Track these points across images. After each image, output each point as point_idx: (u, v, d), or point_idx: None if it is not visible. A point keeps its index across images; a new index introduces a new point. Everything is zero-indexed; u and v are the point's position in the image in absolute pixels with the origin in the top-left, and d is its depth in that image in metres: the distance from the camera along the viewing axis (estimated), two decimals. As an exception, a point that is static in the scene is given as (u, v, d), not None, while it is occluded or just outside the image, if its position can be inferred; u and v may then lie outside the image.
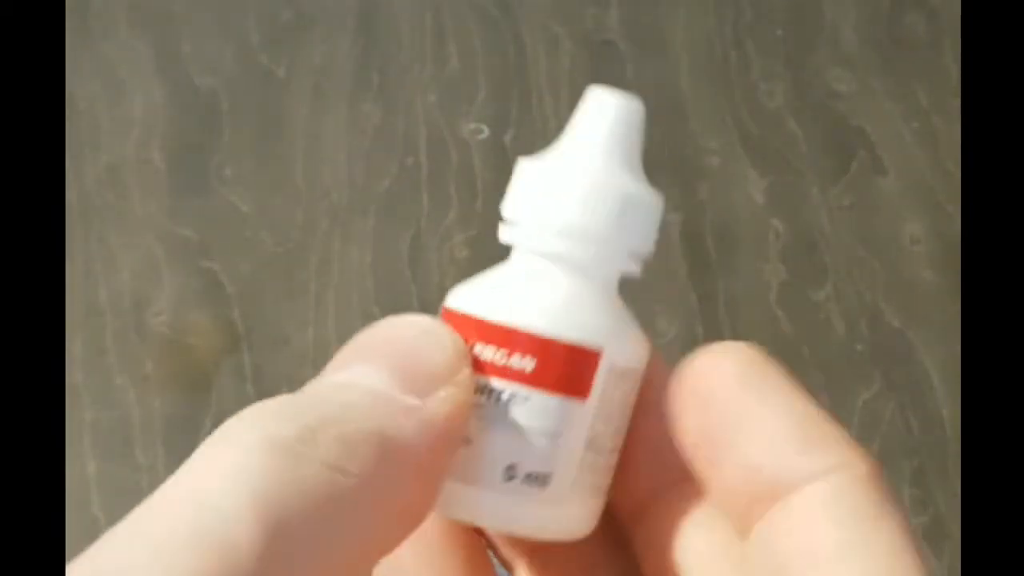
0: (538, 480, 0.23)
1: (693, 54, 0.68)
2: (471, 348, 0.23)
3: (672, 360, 0.23)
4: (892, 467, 0.60)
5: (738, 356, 0.22)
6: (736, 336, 0.61)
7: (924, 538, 0.59)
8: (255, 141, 0.66)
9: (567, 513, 0.23)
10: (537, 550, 0.25)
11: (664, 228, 0.64)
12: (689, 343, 0.59)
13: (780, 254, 0.64)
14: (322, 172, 0.64)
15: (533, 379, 0.22)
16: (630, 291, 0.24)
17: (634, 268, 0.23)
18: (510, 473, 0.22)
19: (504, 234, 0.24)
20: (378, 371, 0.22)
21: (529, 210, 0.23)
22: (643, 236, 0.23)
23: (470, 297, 0.23)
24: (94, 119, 0.66)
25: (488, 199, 0.65)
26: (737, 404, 0.21)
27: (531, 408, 0.22)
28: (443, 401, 0.22)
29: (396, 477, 0.21)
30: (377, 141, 0.67)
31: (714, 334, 0.64)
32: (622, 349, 0.23)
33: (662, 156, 0.66)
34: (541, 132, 0.67)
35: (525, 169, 0.24)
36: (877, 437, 0.60)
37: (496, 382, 0.22)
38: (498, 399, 0.22)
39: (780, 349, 0.61)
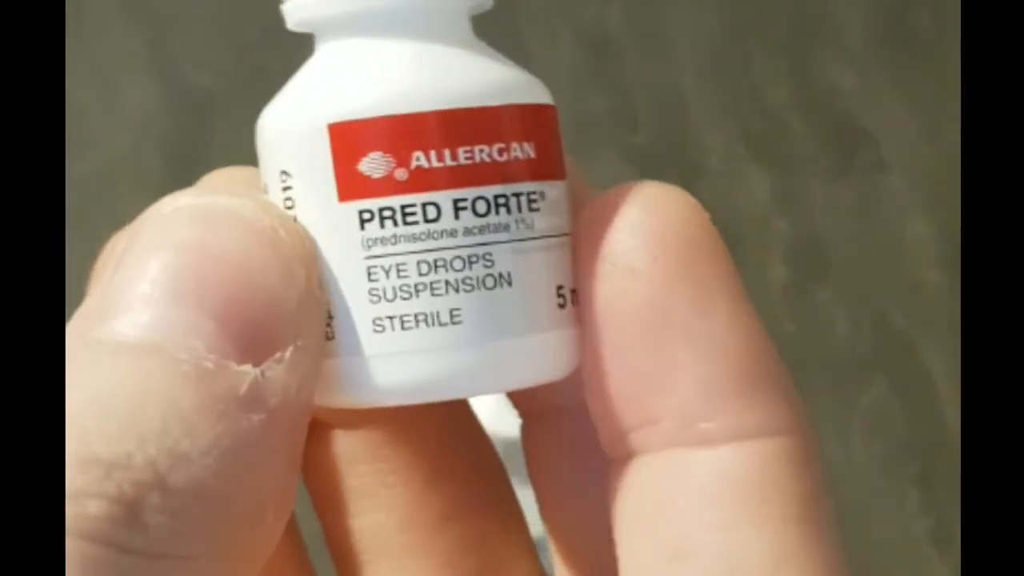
0: (575, 294, 0.16)
1: (694, 51, 0.68)
2: (439, 157, 0.16)
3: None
4: (896, 470, 0.59)
5: (685, 223, 0.16)
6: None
7: (928, 542, 0.58)
8: (251, 140, 0.66)
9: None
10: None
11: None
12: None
13: (783, 254, 0.63)
14: (319, 171, 0.64)
15: (537, 169, 0.16)
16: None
17: None
18: (560, 298, 0.16)
19: (301, 14, 0.17)
20: (199, 322, 0.14)
21: None
22: None
23: (388, 94, 0.16)
24: (87, 117, 0.66)
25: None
26: (664, 297, 0.15)
27: (547, 207, 0.16)
28: (293, 365, 0.14)
29: (247, 523, 0.14)
30: (375, 139, 0.66)
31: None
32: (551, 100, 0.18)
33: (662, 154, 0.66)
34: (541, 130, 0.66)
35: None
36: (881, 440, 0.60)
37: (506, 189, 0.16)
38: (519, 209, 0.16)
39: (782, 350, 0.61)
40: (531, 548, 0.19)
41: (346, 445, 0.18)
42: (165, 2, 0.69)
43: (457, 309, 0.16)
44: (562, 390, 0.17)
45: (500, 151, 0.16)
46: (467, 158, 0.16)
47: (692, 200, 0.16)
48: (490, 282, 0.16)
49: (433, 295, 0.16)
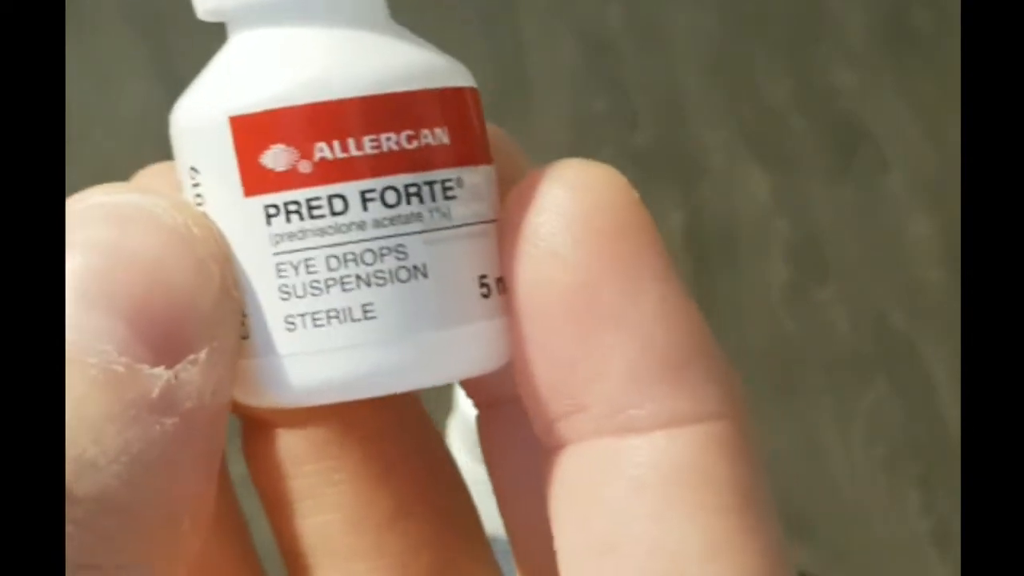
0: (502, 283, 0.16)
1: (695, 50, 0.68)
2: (343, 148, 0.15)
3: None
4: (897, 471, 0.59)
5: (611, 203, 0.15)
6: (739, 338, 0.61)
7: (929, 542, 0.58)
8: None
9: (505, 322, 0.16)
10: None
11: (665, 228, 0.64)
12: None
13: (783, 253, 0.63)
14: (318, 170, 0.64)
15: (453, 155, 0.16)
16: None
17: None
18: (484, 288, 0.16)
19: (209, 3, 0.17)
20: (109, 324, 0.13)
21: None
22: None
23: (289, 84, 0.15)
24: (86, 117, 0.66)
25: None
26: (588, 280, 0.15)
27: (465, 195, 0.16)
28: (209, 367, 0.14)
29: (160, 532, 0.14)
30: (375, 139, 0.66)
31: (716, 334, 0.63)
32: (473, 83, 0.17)
33: (662, 154, 0.65)
34: (540, 128, 0.66)
35: None
36: (881, 440, 0.60)
37: (417, 178, 0.15)
38: (432, 199, 0.15)
39: (783, 350, 0.61)
40: (485, 545, 0.19)
41: (291, 444, 0.18)
42: (164, 1, 0.69)
43: (369, 304, 0.15)
44: (510, 379, 0.16)
45: (409, 138, 0.15)
46: (373, 147, 0.15)
47: (619, 178, 0.16)
48: (404, 275, 0.15)
49: (344, 291, 0.15)
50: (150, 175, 0.18)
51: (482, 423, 0.18)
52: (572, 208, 0.15)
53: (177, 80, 0.74)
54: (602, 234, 0.15)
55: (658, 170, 0.65)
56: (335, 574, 0.18)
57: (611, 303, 0.15)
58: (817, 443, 0.59)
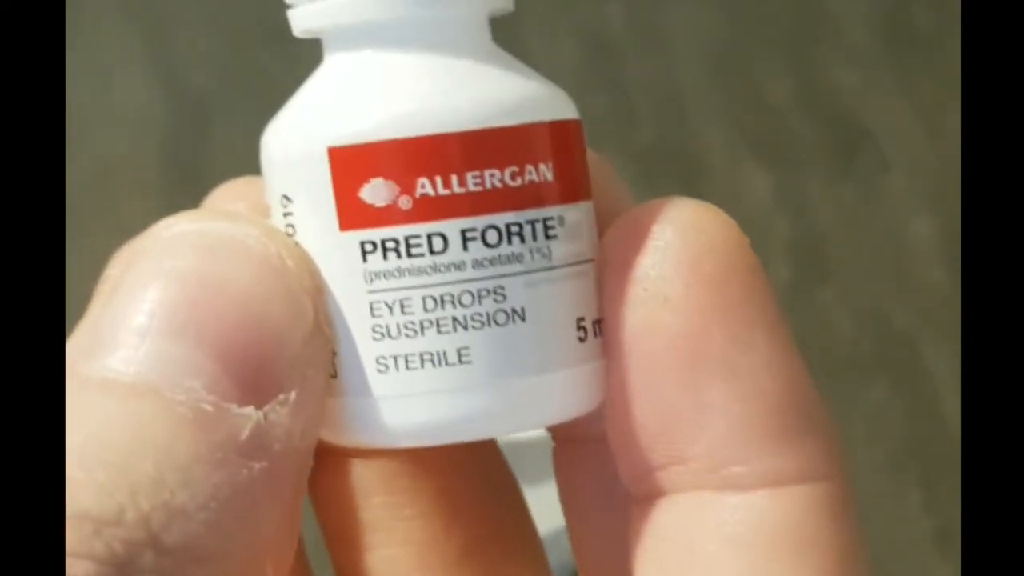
0: (600, 325, 0.15)
1: (695, 50, 0.68)
2: (445, 184, 0.14)
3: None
4: (899, 471, 0.59)
5: (722, 247, 0.15)
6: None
7: (930, 542, 0.58)
8: (251, 139, 0.65)
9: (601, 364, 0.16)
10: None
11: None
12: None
13: (784, 253, 0.63)
14: (319, 170, 0.63)
15: (556, 192, 0.15)
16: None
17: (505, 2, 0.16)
18: (581, 331, 0.15)
19: (307, 23, 0.16)
20: (198, 359, 0.13)
21: None
22: None
23: (392, 115, 0.15)
24: (83, 116, 0.66)
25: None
26: (699, 328, 0.14)
27: (566, 234, 0.15)
28: (299, 408, 0.13)
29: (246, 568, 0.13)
30: (375, 139, 0.66)
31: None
32: (577, 114, 0.16)
33: (663, 153, 0.65)
34: (541, 129, 0.66)
35: None
36: (883, 441, 0.60)
37: (520, 217, 0.15)
38: (534, 238, 0.15)
39: (784, 350, 0.61)
40: None
41: (360, 475, 0.17)
42: (165, 1, 0.69)
43: (466, 348, 0.15)
44: (596, 418, 0.16)
45: (513, 175, 0.15)
46: (476, 184, 0.15)
47: (729, 221, 0.15)
48: (502, 318, 0.15)
49: (440, 333, 0.15)
50: (228, 195, 0.17)
51: (558, 457, 0.17)
52: (683, 251, 0.15)
53: (177, 80, 0.74)
54: (713, 279, 0.15)
55: (658, 170, 0.65)
56: None
57: (721, 352, 0.14)
58: (817, 443, 0.59)
